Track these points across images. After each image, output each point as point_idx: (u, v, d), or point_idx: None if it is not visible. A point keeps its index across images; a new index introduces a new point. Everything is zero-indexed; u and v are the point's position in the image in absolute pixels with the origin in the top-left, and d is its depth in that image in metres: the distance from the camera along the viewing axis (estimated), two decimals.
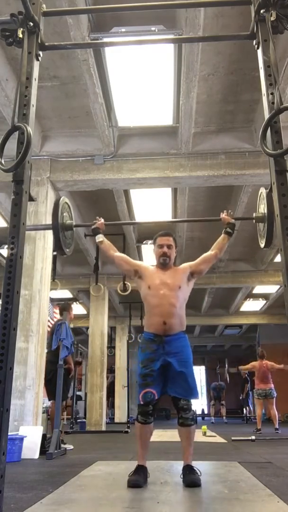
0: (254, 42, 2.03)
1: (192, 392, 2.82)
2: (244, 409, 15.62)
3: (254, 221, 2.77)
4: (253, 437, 6.13)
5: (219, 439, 6.55)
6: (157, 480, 2.85)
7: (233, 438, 6.31)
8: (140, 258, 9.04)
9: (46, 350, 5.17)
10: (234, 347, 20.76)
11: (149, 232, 7.84)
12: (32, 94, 1.93)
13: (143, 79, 4.42)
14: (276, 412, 8.36)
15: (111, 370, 14.25)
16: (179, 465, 2.90)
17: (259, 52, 1.97)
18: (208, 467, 3.49)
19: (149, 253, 7.81)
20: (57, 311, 6.81)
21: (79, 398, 14.12)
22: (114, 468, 3.49)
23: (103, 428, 9.53)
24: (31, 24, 1.98)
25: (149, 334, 2.93)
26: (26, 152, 1.78)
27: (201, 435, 6.90)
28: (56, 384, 4.66)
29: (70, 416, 10.24)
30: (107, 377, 11.59)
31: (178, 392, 2.79)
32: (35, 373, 4.72)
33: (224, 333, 17.33)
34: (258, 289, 11.04)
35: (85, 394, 12.90)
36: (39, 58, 2.04)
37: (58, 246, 2.61)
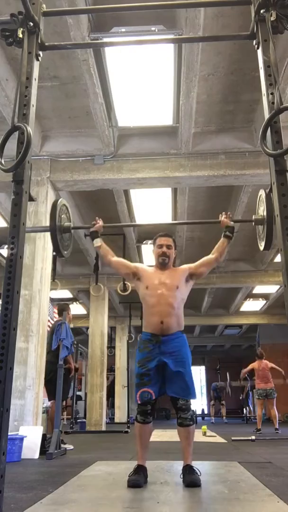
0: (254, 42, 2.03)
1: (189, 391, 2.81)
2: (244, 409, 15.63)
3: (253, 223, 2.75)
4: (253, 437, 6.13)
5: (219, 439, 6.55)
6: (157, 480, 2.85)
7: (233, 438, 6.31)
8: (140, 258, 9.05)
9: (46, 351, 5.17)
10: (234, 347, 20.77)
11: (149, 232, 7.85)
12: (32, 94, 1.93)
13: (143, 79, 4.42)
14: (277, 412, 8.36)
15: (111, 369, 14.25)
16: (179, 465, 2.90)
17: (259, 52, 1.97)
18: (208, 467, 3.49)
19: (149, 253, 7.81)
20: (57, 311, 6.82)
21: (79, 398, 14.12)
22: (114, 468, 3.49)
23: (103, 428, 9.53)
24: (31, 24, 1.99)
25: (146, 334, 2.93)
26: (26, 152, 1.78)
27: (201, 435, 6.90)
28: (56, 384, 4.66)
29: (70, 416, 10.24)
30: (107, 377, 11.59)
31: (175, 392, 2.79)
32: (35, 373, 4.72)
33: (224, 333, 17.33)
34: (258, 289, 11.04)
35: (85, 394, 12.90)
36: (39, 58, 2.04)
37: (56, 248, 2.57)
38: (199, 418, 15.01)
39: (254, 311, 13.54)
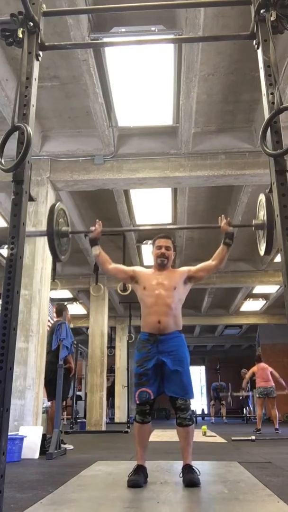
0: (254, 42, 2.03)
1: (187, 391, 2.81)
2: (244, 409, 15.62)
3: (253, 228, 2.71)
4: (253, 437, 6.13)
5: (219, 439, 6.55)
6: (157, 480, 2.86)
7: (233, 438, 6.31)
8: (140, 258, 9.05)
9: (46, 351, 5.17)
10: (234, 347, 20.77)
11: (149, 232, 7.86)
12: (32, 94, 1.93)
13: (143, 79, 4.42)
14: (277, 413, 8.37)
15: (111, 370, 14.23)
16: (179, 465, 2.90)
17: (259, 52, 1.97)
18: (208, 467, 3.49)
19: (149, 253, 7.81)
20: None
21: (79, 398, 14.12)
22: (114, 468, 3.49)
23: (103, 428, 9.53)
24: (31, 24, 1.99)
25: (144, 334, 2.94)
26: (26, 152, 1.78)
27: (201, 435, 6.90)
28: (57, 384, 4.66)
29: (70, 416, 10.25)
30: (108, 378, 11.58)
31: (173, 391, 2.79)
32: (35, 373, 4.72)
33: (224, 333, 17.33)
34: (258, 289, 11.04)
35: (85, 394, 12.90)
36: (39, 58, 2.04)
37: (53, 253, 2.50)
38: (199, 418, 14.99)
39: (254, 311, 13.54)
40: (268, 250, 2.42)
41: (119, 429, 8.74)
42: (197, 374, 21.55)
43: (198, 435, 6.61)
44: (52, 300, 8.06)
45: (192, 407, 2.92)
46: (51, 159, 5.51)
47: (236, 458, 4.12)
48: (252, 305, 12.87)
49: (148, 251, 8.16)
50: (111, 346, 13.77)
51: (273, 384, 8.46)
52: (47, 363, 5.07)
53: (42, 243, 5.17)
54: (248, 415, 14.60)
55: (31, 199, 1.86)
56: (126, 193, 6.42)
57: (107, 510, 2.15)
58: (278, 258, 8.56)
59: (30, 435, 4.16)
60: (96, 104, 4.62)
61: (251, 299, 12.26)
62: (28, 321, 4.82)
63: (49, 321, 5.77)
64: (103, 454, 4.66)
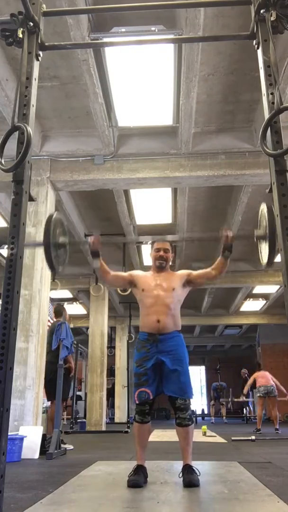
0: (254, 42, 2.02)
1: (186, 390, 2.81)
2: (244, 409, 15.63)
3: (255, 239, 2.62)
4: (253, 437, 6.13)
5: (219, 439, 6.56)
6: (157, 480, 2.86)
7: (233, 438, 6.31)
8: (140, 258, 9.05)
9: (46, 351, 5.17)
10: (234, 347, 20.78)
11: (149, 232, 7.86)
12: (32, 94, 1.93)
13: (143, 79, 4.42)
14: (278, 413, 8.37)
15: (111, 372, 14.20)
16: (179, 465, 2.90)
17: (259, 52, 1.97)
18: (208, 467, 3.49)
19: (149, 253, 7.83)
20: None
21: (79, 398, 14.12)
22: (114, 468, 3.49)
23: (103, 428, 9.53)
24: (31, 24, 1.98)
25: (143, 334, 2.94)
26: (26, 152, 1.78)
27: (201, 435, 6.90)
28: (57, 384, 4.66)
29: (70, 416, 10.25)
30: (108, 381, 11.58)
31: (172, 391, 2.79)
32: (35, 373, 4.72)
33: (224, 333, 17.34)
34: (258, 289, 11.04)
35: (85, 394, 12.90)
36: (39, 58, 2.04)
37: (50, 265, 2.36)
38: (199, 418, 14.99)
39: (254, 311, 13.54)
40: (270, 262, 2.32)
41: (119, 429, 8.74)
42: (197, 374, 21.55)
43: (198, 435, 6.61)
44: (52, 300, 8.06)
45: (192, 407, 2.92)
46: (51, 159, 5.51)
47: (236, 458, 4.12)
48: (252, 305, 12.87)
49: (148, 251, 8.17)
50: (111, 346, 13.77)
51: (273, 384, 8.46)
52: (47, 363, 5.07)
53: None
54: (248, 415, 14.61)
55: (31, 199, 1.86)
56: (126, 193, 6.42)
57: (107, 510, 2.15)
58: (278, 258, 8.55)
59: (30, 435, 4.16)
60: (96, 104, 4.62)
61: (251, 299, 12.26)
62: (28, 321, 4.82)
63: (49, 321, 5.77)
64: (103, 454, 4.66)
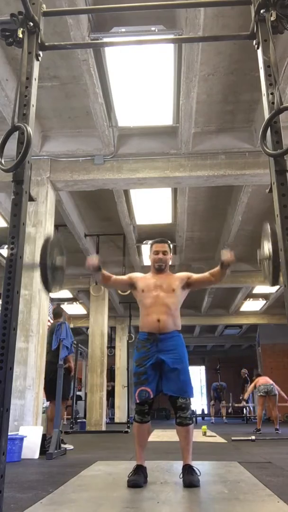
0: (254, 42, 2.03)
1: (186, 389, 2.81)
2: (244, 409, 15.62)
3: (258, 258, 2.58)
4: (253, 437, 6.13)
5: (219, 439, 6.55)
6: (157, 480, 2.86)
7: (233, 438, 6.32)
8: (140, 258, 9.05)
9: (46, 351, 5.17)
10: (234, 347, 20.78)
11: (149, 232, 7.87)
12: (32, 94, 1.93)
13: (143, 79, 4.42)
14: (278, 413, 8.37)
15: (111, 375, 14.16)
16: (179, 465, 2.90)
17: (259, 52, 1.97)
18: (208, 467, 3.49)
19: (148, 254, 7.83)
20: None
21: (79, 398, 14.12)
22: (114, 468, 3.49)
23: (103, 428, 9.53)
24: (31, 24, 1.99)
25: (143, 334, 2.95)
26: (26, 152, 1.78)
27: (201, 435, 6.90)
28: (57, 384, 4.66)
29: (70, 416, 10.25)
30: (107, 386, 11.58)
31: (172, 390, 2.79)
32: (35, 373, 4.72)
33: (224, 333, 17.34)
34: (258, 289, 11.04)
35: (85, 394, 12.90)
36: (39, 58, 2.04)
37: (46, 286, 2.27)
38: (199, 418, 14.99)
39: (254, 311, 13.54)
40: (275, 282, 2.26)
41: (119, 429, 8.74)
42: (197, 374, 21.55)
43: (198, 435, 6.61)
44: (52, 300, 8.07)
45: (192, 407, 2.92)
46: (51, 159, 5.51)
47: (236, 458, 4.12)
48: (252, 305, 12.87)
49: (148, 251, 8.17)
50: (111, 346, 13.77)
51: (273, 383, 8.47)
52: (47, 363, 5.06)
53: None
54: (248, 415, 14.61)
55: (31, 199, 1.86)
56: (126, 193, 6.43)
57: (107, 510, 2.15)
58: None
59: (30, 435, 4.16)
60: (96, 104, 4.62)
61: (251, 299, 12.26)
62: (28, 321, 4.82)
63: (49, 321, 5.77)
64: (103, 454, 4.66)
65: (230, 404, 14.26)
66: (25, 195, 1.80)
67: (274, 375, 8.79)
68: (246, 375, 14.22)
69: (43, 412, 5.63)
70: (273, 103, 1.85)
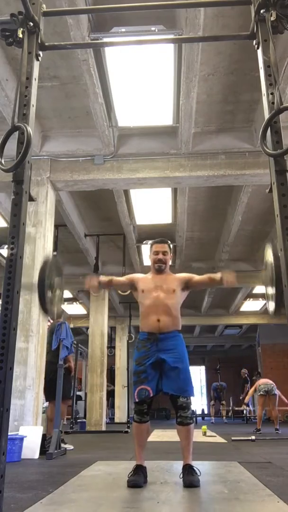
0: (254, 42, 2.02)
1: (186, 388, 2.81)
2: (244, 410, 15.62)
3: (261, 283, 2.55)
4: (253, 437, 6.13)
5: (219, 439, 6.56)
6: (157, 480, 2.86)
7: (233, 438, 6.32)
8: (140, 258, 9.05)
9: (46, 351, 5.17)
10: (234, 347, 20.78)
11: (149, 232, 7.87)
12: (32, 94, 1.93)
13: (143, 79, 4.42)
14: (278, 413, 8.37)
15: (111, 375, 14.15)
16: (179, 465, 2.90)
17: (259, 52, 1.97)
18: (208, 467, 3.49)
19: (148, 254, 7.83)
20: None
21: (79, 398, 14.12)
22: (114, 468, 3.49)
23: (103, 428, 9.53)
24: (31, 24, 1.98)
25: (144, 334, 2.95)
26: (26, 152, 1.78)
27: (201, 435, 6.90)
28: (57, 384, 4.66)
29: (70, 416, 10.25)
30: (108, 386, 11.57)
31: (172, 389, 2.79)
32: (35, 373, 4.72)
33: (224, 333, 17.34)
34: (258, 289, 11.03)
35: (85, 394, 12.91)
36: (39, 58, 2.04)
37: (44, 308, 2.24)
38: (199, 418, 14.99)
39: (254, 311, 13.53)
40: (278, 308, 2.18)
41: (119, 429, 8.74)
42: (197, 374, 21.55)
43: (198, 435, 6.61)
44: None
45: (192, 406, 2.92)
46: (51, 159, 5.51)
47: (236, 458, 4.12)
48: (252, 305, 12.87)
49: (148, 251, 8.17)
50: (111, 346, 13.77)
51: (273, 383, 8.47)
52: (47, 363, 5.07)
53: (42, 243, 5.18)
54: (248, 415, 14.61)
55: (31, 199, 1.86)
56: (126, 193, 6.43)
57: (107, 510, 2.15)
58: None
59: (30, 435, 4.16)
60: (96, 104, 4.62)
61: (251, 299, 12.26)
62: (28, 321, 4.82)
63: (48, 321, 5.77)
64: (103, 454, 4.66)
65: (230, 408, 14.26)
66: (25, 195, 1.80)
67: (274, 375, 8.80)
68: (246, 375, 14.22)
69: (43, 412, 5.63)
70: (273, 103, 1.85)
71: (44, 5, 2.08)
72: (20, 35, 1.97)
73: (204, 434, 7.05)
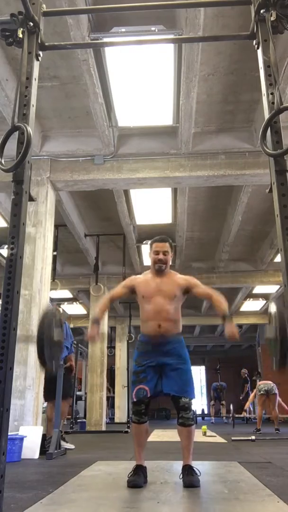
0: (254, 42, 2.03)
1: (188, 389, 2.80)
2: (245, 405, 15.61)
3: (265, 340, 2.52)
4: (253, 437, 6.13)
5: (219, 439, 6.55)
6: (157, 480, 2.86)
7: (233, 438, 6.31)
8: (140, 258, 9.05)
9: None
10: (234, 347, 20.78)
11: (149, 232, 7.86)
12: (32, 94, 1.93)
13: (143, 79, 4.41)
14: (278, 412, 8.37)
15: (111, 375, 14.14)
16: (179, 465, 2.90)
17: (259, 52, 1.97)
18: (208, 467, 3.49)
19: (147, 253, 7.82)
20: None
21: (79, 398, 14.12)
22: (114, 468, 3.49)
23: (103, 428, 9.54)
24: (31, 24, 1.99)
25: (145, 336, 2.95)
26: (26, 152, 1.78)
27: (201, 435, 6.90)
28: (57, 384, 4.65)
29: (70, 416, 10.26)
30: (108, 390, 11.57)
31: (175, 390, 2.78)
32: (35, 373, 4.72)
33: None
34: (258, 289, 11.03)
35: (85, 394, 12.91)
36: (39, 58, 2.04)
37: (42, 363, 2.16)
38: (199, 418, 14.98)
39: (254, 311, 13.53)
40: (281, 365, 2.05)
41: (119, 429, 8.74)
42: (197, 374, 21.54)
43: (198, 435, 6.61)
44: (52, 300, 8.07)
45: (193, 407, 2.92)
46: (51, 159, 5.51)
47: (236, 458, 4.12)
48: (252, 305, 12.86)
49: (148, 251, 8.16)
50: (111, 346, 13.77)
51: (273, 383, 8.47)
52: None
53: (42, 243, 5.18)
54: (248, 415, 14.61)
55: (31, 199, 1.86)
56: (126, 193, 6.43)
57: (107, 510, 2.15)
58: (278, 258, 8.56)
59: (30, 435, 4.16)
60: (96, 104, 4.62)
61: (251, 299, 12.25)
62: (28, 321, 4.82)
63: None
64: (103, 454, 4.66)
65: (230, 415, 14.26)
66: (25, 195, 1.80)
67: (274, 376, 8.78)
68: (246, 375, 14.21)
69: (43, 412, 5.63)
70: (273, 103, 1.85)
71: (44, 5, 2.08)
72: (20, 35, 1.98)
73: (204, 434, 7.04)
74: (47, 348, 2.14)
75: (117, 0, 2.55)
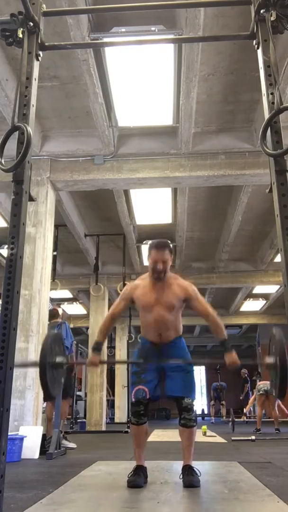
0: (254, 42, 2.02)
1: (190, 390, 2.80)
2: (244, 409, 15.61)
3: (265, 367, 2.48)
4: (253, 437, 6.13)
5: (219, 439, 6.56)
6: (157, 480, 2.86)
7: (233, 438, 6.31)
8: (140, 258, 9.05)
9: None
10: (234, 347, 20.64)
11: (149, 232, 7.87)
12: (32, 94, 1.93)
13: (143, 79, 4.42)
14: (278, 413, 8.37)
15: (111, 375, 14.13)
16: (179, 465, 2.90)
17: (259, 52, 1.97)
18: (208, 467, 3.49)
19: (146, 256, 7.82)
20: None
21: (79, 398, 14.12)
22: (114, 468, 3.49)
23: (103, 428, 9.53)
24: (31, 24, 1.98)
25: (146, 340, 2.95)
26: (26, 152, 1.78)
27: (201, 435, 6.90)
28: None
29: (70, 416, 10.26)
30: (108, 392, 11.56)
31: (176, 391, 2.77)
32: (35, 373, 4.72)
33: None
34: (258, 289, 11.04)
35: (85, 394, 12.90)
36: (39, 58, 2.04)
37: (45, 389, 2.11)
38: (199, 418, 14.98)
39: (254, 311, 13.53)
40: (282, 393, 2.05)
41: (119, 429, 8.73)
42: (197, 374, 21.54)
43: (198, 435, 6.59)
44: (52, 300, 8.07)
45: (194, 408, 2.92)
46: (51, 159, 5.51)
47: (236, 458, 4.12)
48: (252, 305, 12.86)
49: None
50: (111, 346, 13.76)
51: None
52: None
53: (42, 243, 5.18)
54: (248, 415, 14.60)
55: (31, 199, 1.86)
56: (126, 193, 6.43)
57: (107, 510, 2.15)
58: (278, 258, 8.56)
59: (30, 435, 4.16)
60: (96, 104, 4.62)
61: (251, 299, 12.26)
62: (28, 321, 4.82)
63: (49, 320, 5.77)
64: (103, 454, 4.66)
65: (230, 419, 14.27)
66: (25, 195, 1.80)
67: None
68: (246, 375, 14.21)
69: (43, 412, 5.63)
70: (273, 103, 1.85)
71: (44, 5, 2.08)
72: (20, 35, 1.97)
73: (204, 434, 7.05)
74: (50, 373, 2.14)
75: (117, 0, 2.55)
